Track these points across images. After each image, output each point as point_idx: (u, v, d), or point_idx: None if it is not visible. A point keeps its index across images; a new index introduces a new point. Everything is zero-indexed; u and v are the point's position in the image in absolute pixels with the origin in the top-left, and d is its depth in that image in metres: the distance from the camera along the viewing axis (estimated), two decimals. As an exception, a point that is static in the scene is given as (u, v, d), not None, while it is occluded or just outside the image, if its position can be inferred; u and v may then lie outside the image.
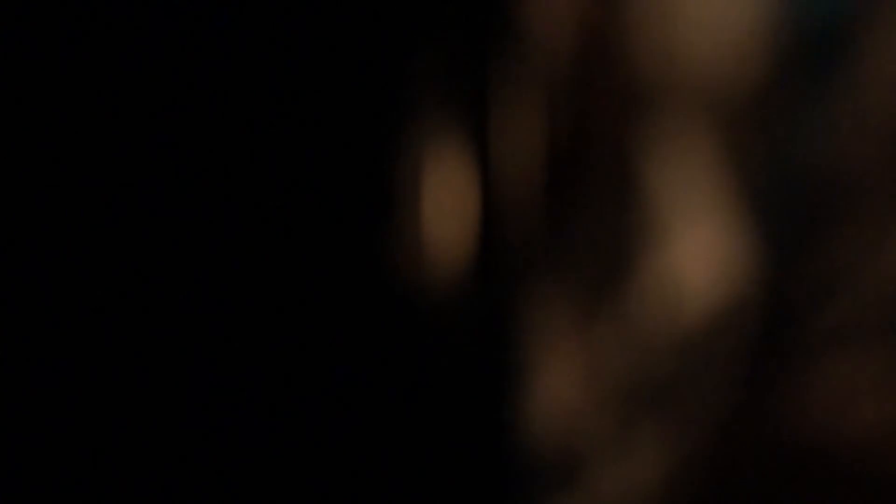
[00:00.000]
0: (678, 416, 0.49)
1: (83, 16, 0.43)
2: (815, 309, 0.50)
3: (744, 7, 0.55)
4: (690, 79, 0.55)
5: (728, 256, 0.51)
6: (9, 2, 0.40)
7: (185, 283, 0.36)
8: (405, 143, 0.38)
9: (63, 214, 0.42)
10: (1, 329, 0.40)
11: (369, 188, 0.38)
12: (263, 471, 0.36)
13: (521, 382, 0.35)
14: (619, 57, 0.54)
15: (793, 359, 0.50)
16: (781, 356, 0.50)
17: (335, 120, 0.38)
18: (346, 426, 0.37)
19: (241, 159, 0.38)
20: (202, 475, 0.36)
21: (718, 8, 0.55)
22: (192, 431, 0.36)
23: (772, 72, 0.54)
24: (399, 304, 0.37)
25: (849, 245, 0.51)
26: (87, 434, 0.36)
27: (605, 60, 0.54)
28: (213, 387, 0.36)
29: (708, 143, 0.53)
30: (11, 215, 0.40)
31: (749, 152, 0.53)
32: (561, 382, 0.48)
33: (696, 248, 0.52)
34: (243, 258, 0.38)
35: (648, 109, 0.53)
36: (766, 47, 0.54)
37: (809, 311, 0.50)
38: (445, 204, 0.38)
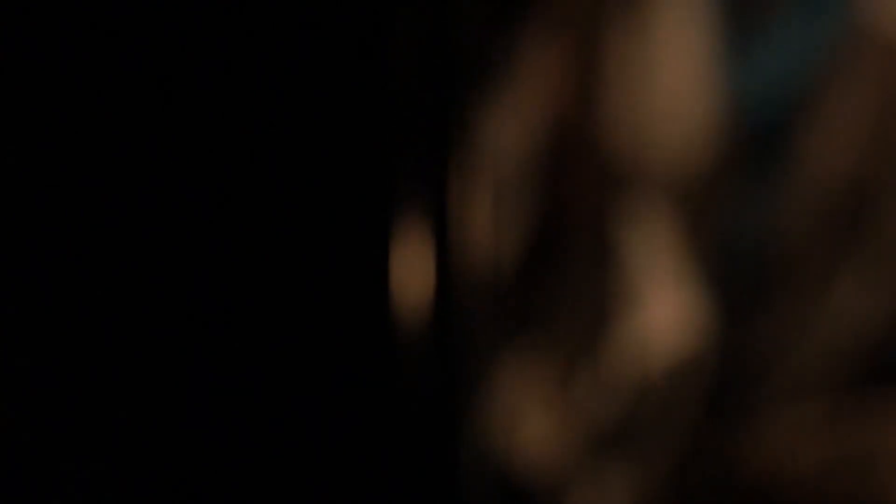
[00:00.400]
0: (642, 457, 0.55)
1: (83, 17, 0.47)
2: (764, 365, 0.57)
3: (701, 101, 0.63)
4: (656, 164, 0.62)
5: (688, 318, 0.58)
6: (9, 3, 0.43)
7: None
8: (380, 221, 0.45)
9: (63, 214, 0.45)
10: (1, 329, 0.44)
11: (349, 256, 0.45)
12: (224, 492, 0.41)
13: (489, 424, 0.41)
14: (595, 144, 0.62)
15: (745, 409, 0.57)
16: (734, 406, 0.57)
17: (321, 203, 0.46)
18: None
19: (229, 241, 0.45)
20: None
21: (680, 102, 0.63)
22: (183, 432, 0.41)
23: (724, 158, 0.61)
24: (368, 359, 0.44)
25: (792, 309, 0.57)
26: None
27: (584, 147, 0.62)
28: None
29: (671, 220, 0.61)
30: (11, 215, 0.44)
31: (705, 228, 0.60)
32: (538, 426, 0.55)
33: (661, 311, 0.59)
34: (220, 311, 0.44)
35: (620, 190, 0.61)
36: (719, 137, 0.61)
37: (759, 367, 0.57)
38: (408, 275, 0.45)
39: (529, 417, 0.56)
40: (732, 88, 0.64)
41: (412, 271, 0.52)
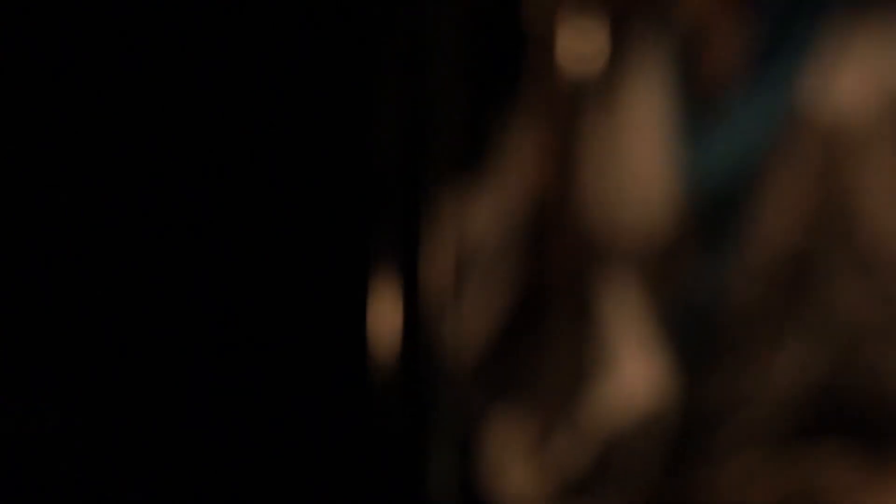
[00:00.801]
0: (613, 498, 0.62)
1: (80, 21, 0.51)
2: (719, 417, 0.63)
3: (663, 182, 0.69)
4: (625, 238, 0.68)
5: (654, 377, 0.64)
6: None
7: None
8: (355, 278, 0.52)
9: (58, 217, 0.49)
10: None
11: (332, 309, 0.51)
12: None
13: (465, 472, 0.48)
14: (569, 220, 0.68)
15: (703, 455, 0.63)
16: (694, 453, 0.63)
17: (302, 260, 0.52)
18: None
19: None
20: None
21: (645, 183, 0.69)
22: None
23: (683, 232, 0.67)
24: (342, 407, 0.50)
25: (745, 368, 0.64)
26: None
27: (559, 222, 0.69)
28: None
29: (638, 289, 0.67)
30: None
31: (668, 295, 0.66)
32: (517, 476, 0.62)
33: (631, 371, 0.65)
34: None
35: (592, 261, 0.67)
36: (679, 213, 0.68)
37: (715, 420, 0.63)
38: (382, 326, 0.51)
39: (510, 468, 0.63)
40: (690, 170, 0.69)
41: (385, 323, 0.59)
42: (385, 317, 0.63)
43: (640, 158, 0.71)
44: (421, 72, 0.88)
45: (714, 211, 0.68)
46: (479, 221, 0.71)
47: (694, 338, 0.66)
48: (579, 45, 0.67)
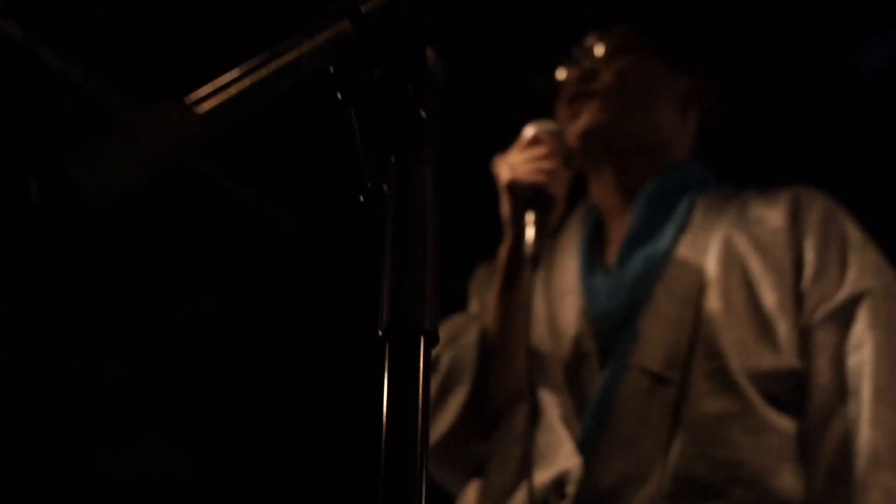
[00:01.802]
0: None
1: None
2: (616, 492, 0.80)
3: (576, 318, 0.90)
4: (551, 364, 0.89)
5: (566, 459, 0.82)
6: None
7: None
8: None
9: None
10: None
11: None
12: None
13: None
14: (509, 353, 0.89)
15: None
16: None
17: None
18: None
19: None
20: None
21: (565, 320, 0.91)
22: None
23: (589, 352, 0.87)
24: None
25: (638, 453, 0.80)
26: None
27: (503, 355, 0.90)
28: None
29: (559, 396, 0.87)
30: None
31: (577, 402, 0.86)
32: None
33: (555, 458, 0.83)
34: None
35: (529, 383, 0.87)
36: (583, 339, 0.88)
37: (613, 494, 0.80)
38: None
39: None
40: (596, 300, 0.90)
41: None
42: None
43: (565, 293, 0.94)
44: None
45: (611, 326, 0.88)
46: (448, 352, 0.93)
47: (597, 432, 0.83)
48: (532, 231, 0.88)
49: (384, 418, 0.41)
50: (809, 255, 0.88)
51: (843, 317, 0.84)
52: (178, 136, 0.40)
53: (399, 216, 0.46)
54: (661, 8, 1.08)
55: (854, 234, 0.89)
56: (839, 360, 0.83)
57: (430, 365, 0.43)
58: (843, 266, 0.87)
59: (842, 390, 0.81)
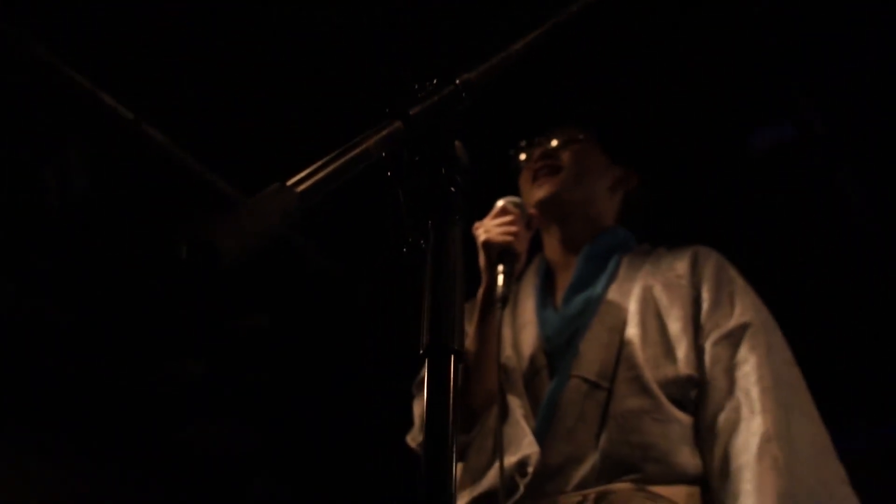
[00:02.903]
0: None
1: None
2: (563, 469, 1.05)
3: (534, 336, 1.16)
4: (517, 374, 1.15)
5: (527, 447, 1.07)
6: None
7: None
8: None
9: None
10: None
11: None
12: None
13: None
14: (484, 370, 1.14)
15: (555, 488, 1.04)
16: (546, 493, 1.04)
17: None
18: None
19: None
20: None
21: (524, 346, 1.17)
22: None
23: (542, 366, 1.14)
24: None
25: (577, 441, 1.05)
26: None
27: (479, 372, 1.14)
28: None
29: (521, 399, 1.12)
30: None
31: (533, 401, 1.11)
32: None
33: (519, 446, 1.08)
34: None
35: (504, 387, 1.12)
36: (537, 355, 1.15)
37: (560, 471, 1.05)
38: None
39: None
40: (547, 328, 1.17)
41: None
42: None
43: (525, 324, 1.21)
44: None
45: (558, 348, 1.15)
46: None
47: (548, 422, 1.09)
48: (501, 278, 1.14)
49: (425, 412, 0.53)
50: (706, 294, 1.16)
51: (733, 339, 1.11)
52: (283, 211, 0.46)
53: (436, 264, 0.57)
54: (602, 112, 1.40)
55: (739, 281, 1.19)
56: (730, 370, 1.09)
57: (458, 374, 0.54)
58: (731, 304, 1.15)
59: (731, 390, 1.07)
